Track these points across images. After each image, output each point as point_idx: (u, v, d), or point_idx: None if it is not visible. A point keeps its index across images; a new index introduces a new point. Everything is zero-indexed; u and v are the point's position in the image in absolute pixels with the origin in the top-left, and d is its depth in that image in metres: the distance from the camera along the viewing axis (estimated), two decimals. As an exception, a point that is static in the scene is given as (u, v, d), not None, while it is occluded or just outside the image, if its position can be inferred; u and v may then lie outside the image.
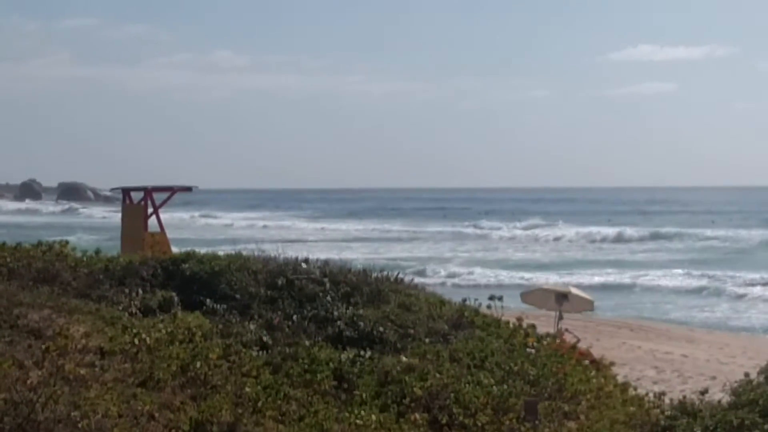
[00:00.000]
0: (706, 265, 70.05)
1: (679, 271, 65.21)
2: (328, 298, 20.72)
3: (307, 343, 18.30)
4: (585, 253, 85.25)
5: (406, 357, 17.95)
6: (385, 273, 22.95)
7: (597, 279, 62.00)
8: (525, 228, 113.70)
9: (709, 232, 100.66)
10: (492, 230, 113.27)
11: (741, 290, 56.35)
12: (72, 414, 12.86)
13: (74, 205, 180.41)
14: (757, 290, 55.95)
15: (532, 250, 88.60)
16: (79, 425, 12.72)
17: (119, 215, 40.02)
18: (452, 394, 16.18)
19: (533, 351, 19.99)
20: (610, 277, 63.60)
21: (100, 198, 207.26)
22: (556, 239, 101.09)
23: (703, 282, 60.02)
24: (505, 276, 62.68)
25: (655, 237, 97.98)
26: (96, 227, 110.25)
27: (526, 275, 62.00)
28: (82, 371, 14.31)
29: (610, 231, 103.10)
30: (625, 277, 62.66)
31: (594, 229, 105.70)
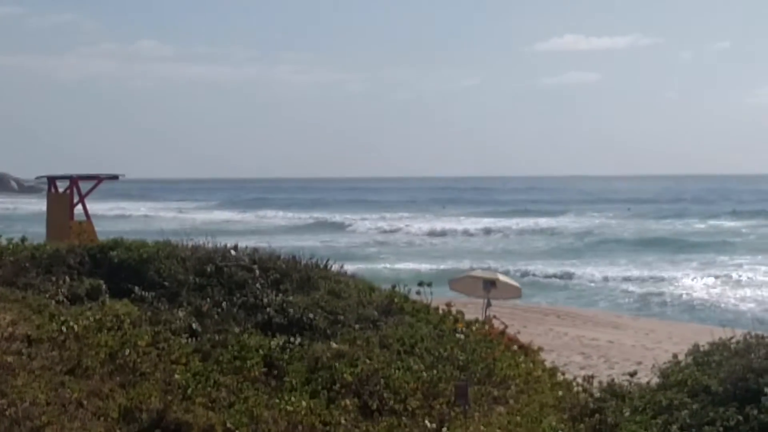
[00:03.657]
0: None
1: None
2: (258, 285, 20.62)
3: (236, 330, 18.23)
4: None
5: (336, 343, 17.95)
6: (314, 260, 22.88)
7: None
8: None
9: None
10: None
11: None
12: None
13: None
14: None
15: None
16: (7, 413, 12.60)
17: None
18: (382, 380, 16.20)
19: (462, 336, 20.08)
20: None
21: (24, 188, 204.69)
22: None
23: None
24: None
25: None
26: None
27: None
28: (9, 359, 14.18)
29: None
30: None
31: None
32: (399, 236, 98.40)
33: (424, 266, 63.60)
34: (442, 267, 62.39)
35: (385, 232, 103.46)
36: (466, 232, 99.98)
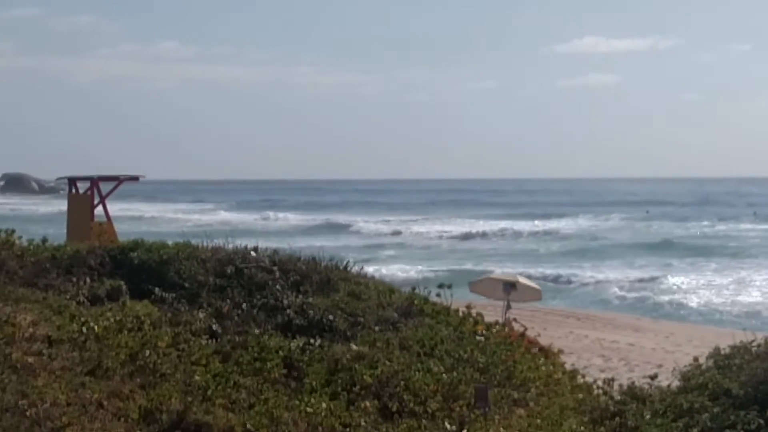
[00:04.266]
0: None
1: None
2: (278, 286, 20.64)
3: (256, 331, 18.23)
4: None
5: (356, 345, 17.93)
6: (334, 261, 22.88)
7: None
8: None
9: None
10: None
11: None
12: (20, 402, 12.76)
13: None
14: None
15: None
16: (27, 414, 12.61)
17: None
18: (402, 382, 16.17)
19: (482, 339, 20.05)
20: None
21: (44, 189, 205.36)
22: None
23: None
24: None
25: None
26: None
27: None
28: (30, 360, 14.20)
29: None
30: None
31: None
32: (413, 238, 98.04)
33: (442, 268, 63.43)
34: (455, 268, 62.15)
35: (396, 233, 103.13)
36: (482, 234, 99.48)
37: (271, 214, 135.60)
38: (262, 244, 23.38)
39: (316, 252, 23.47)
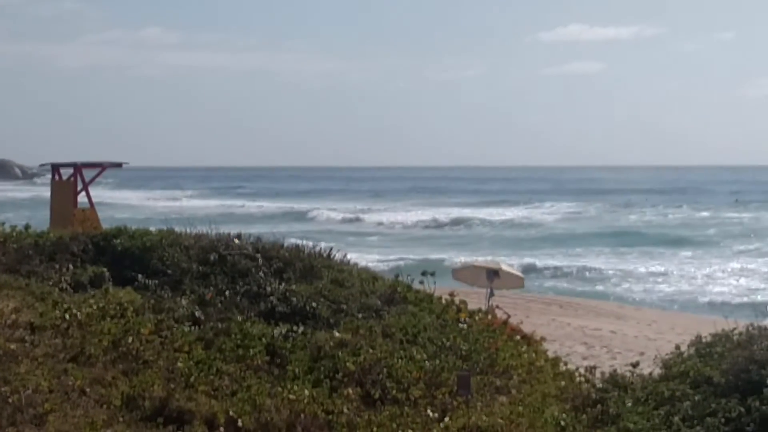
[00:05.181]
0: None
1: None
2: (261, 273, 20.65)
3: (239, 318, 18.25)
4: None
5: (339, 332, 17.95)
6: (317, 248, 22.89)
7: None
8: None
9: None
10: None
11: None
12: (2, 389, 12.77)
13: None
14: None
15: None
16: (10, 400, 12.62)
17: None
18: (385, 369, 16.22)
19: (465, 326, 20.08)
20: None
21: (27, 175, 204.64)
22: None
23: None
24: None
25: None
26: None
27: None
28: (12, 346, 14.20)
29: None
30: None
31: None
32: (373, 227, 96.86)
33: (393, 257, 62.20)
34: (412, 257, 61.16)
35: (355, 221, 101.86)
36: (440, 223, 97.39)
37: (237, 202, 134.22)
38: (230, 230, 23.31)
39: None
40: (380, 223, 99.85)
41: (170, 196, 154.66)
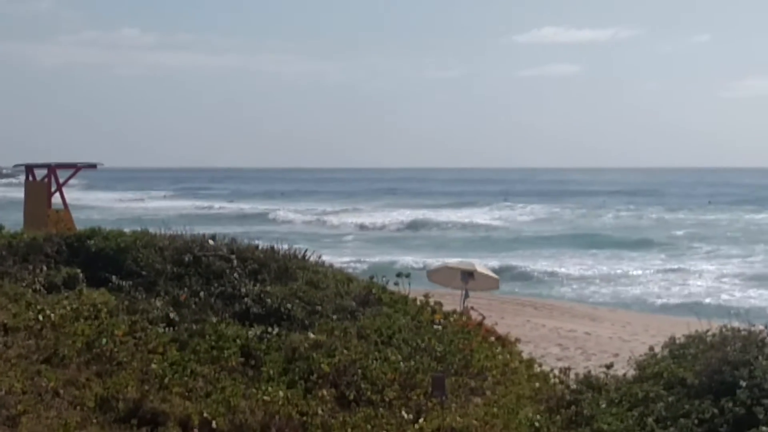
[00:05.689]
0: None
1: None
2: (235, 274, 20.62)
3: (214, 319, 18.22)
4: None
5: (314, 334, 17.95)
6: (292, 250, 22.87)
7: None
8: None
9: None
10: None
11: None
12: (-25, 391, 12.70)
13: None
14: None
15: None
16: (-18, 402, 12.56)
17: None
18: (360, 371, 16.22)
19: (440, 328, 20.10)
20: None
21: (1, 175, 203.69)
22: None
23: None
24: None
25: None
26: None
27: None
28: (-15, 348, 14.13)
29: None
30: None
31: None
32: (334, 229, 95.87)
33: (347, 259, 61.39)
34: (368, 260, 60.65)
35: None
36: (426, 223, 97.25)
37: (206, 204, 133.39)
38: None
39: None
40: (343, 224, 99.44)
41: (135, 197, 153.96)
